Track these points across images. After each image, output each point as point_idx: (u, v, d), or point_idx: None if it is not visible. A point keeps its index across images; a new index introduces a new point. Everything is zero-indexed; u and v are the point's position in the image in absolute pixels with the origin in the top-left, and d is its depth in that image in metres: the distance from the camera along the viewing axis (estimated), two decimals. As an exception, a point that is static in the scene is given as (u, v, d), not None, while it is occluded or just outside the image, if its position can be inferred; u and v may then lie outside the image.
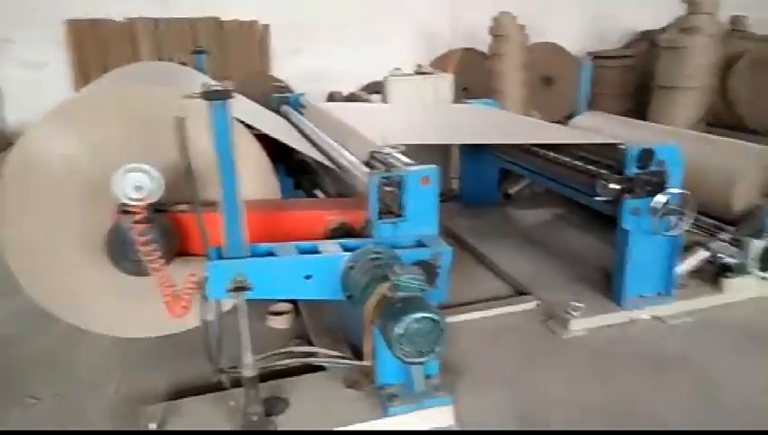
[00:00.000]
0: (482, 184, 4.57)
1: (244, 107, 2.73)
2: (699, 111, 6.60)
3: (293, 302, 2.94)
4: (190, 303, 1.94)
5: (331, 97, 6.65)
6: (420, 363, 1.57)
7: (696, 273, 3.13)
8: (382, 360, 2.11)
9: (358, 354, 2.25)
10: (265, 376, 2.22)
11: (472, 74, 7.72)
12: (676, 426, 2.16)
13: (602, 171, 2.95)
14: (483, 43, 7.41)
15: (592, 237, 3.81)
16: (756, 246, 3.04)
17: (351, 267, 1.80)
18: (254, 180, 2.23)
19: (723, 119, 7.11)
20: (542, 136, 3.45)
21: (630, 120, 4.31)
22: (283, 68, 7.51)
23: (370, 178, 1.97)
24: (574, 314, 2.83)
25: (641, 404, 2.29)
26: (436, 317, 1.53)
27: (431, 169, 2.04)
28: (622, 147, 2.80)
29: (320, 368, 2.37)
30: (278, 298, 2.80)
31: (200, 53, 4.52)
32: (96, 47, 6.75)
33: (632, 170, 2.74)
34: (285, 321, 2.87)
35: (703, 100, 6.57)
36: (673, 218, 2.79)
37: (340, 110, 4.02)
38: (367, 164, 2.30)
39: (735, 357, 2.58)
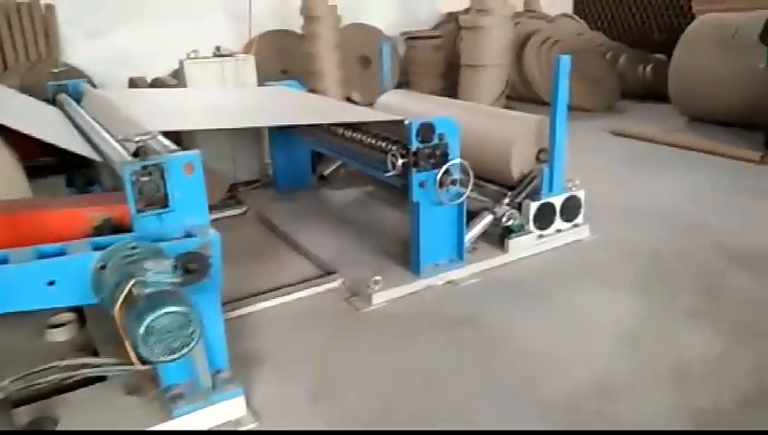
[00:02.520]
0: (295, 167, 4.53)
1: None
2: (500, 86, 7.16)
3: (78, 310, 2.68)
4: None
5: (133, 83, 6.17)
6: (173, 361, 1.48)
7: (486, 236, 3.38)
8: (163, 360, 1.98)
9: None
10: (30, 398, 2.00)
11: (290, 57, 7.63)
12: (465, 378, 2.31)
13: (392, 147, 3.05)
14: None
15: (399, 211, 3.95)
16: (532, 207, 3.35)
17: (102, 267, 1.65)
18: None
19: (521, 93, 7.79)
20: (332, 116, 3.48)
21: (430, 96, 4.53)
22: (79, 53, 6.84)
23: (123, 168, 1.82)
24: (375, 287, 2.91)
25: (433, 363, 2.42)
26: (184, 310, 1.45)
27: (193, 154, 1.93)
28: (406, 122, 2.91)
29: (101, 380, 2.19)
30: (56, 307, 2.53)
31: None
32: None
33: (415, 145, 2.86)
34: (66, 332, 2.60)
35: (503, 76, 7.13)
36: (456, 187, 2.97)
37: (126, 97, 3.73)
38: (135, 154, 2.14)
39: (512, 308, 2.83)
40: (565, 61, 3.22)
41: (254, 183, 4.66)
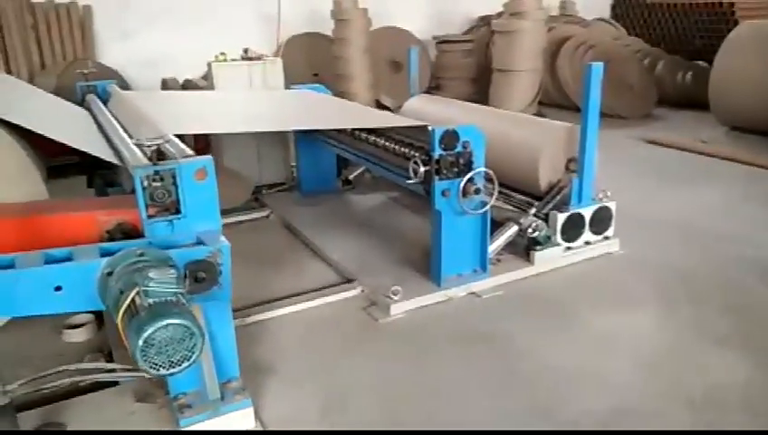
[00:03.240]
0: (320, 171, 4.50)
1: (13, 100, 2.41)
2: (533, 92, 7.01)
3: (96, 312, 2.68)
4: None
5: (165, 84, 6.24)
6: (172, 374, 1.44)
7: (512, 247, 3.27)
8: (172, 368, 1.95)
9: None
10: (40, 401, 1.99)
11: (321, 60, 7.63)
12: (480, 398, 2.22)
13: (414, 154, 2.98)
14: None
15: (423, 219, 3.87)
16: (560, 218, 3.23)
17: (109, 273, 1.63)
18: (9, 184, 1.96)
19: (554, 99, 7.63)
20: (355, 121, 3.43)
21: (457, 101, 4.43)
22: (111, 54, 6.95)
23: (135, 172, 1.79)
24: (394, 297, 2.84)
25: (449, 380, 2.33)
26: (185, 323, 1.41)
27: (205, 160, 1.89)
28: (429, 129, 2.83)
29: (113, 384, 2.17)
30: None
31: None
32: None
33: (438, 152, 2.78)
34: (84, 334, 2.61)
35: (536, 81, 6.98)
36: (480, 197, 2.88)
37: (152, 99, 3.75)
38: (150, 158, 2.11)
39: (534, 324, 2.72)
40: (597, 68, 3.10)
41: (279, 186, 4.64)
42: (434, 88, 8.61)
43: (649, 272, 3.20)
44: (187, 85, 6.13)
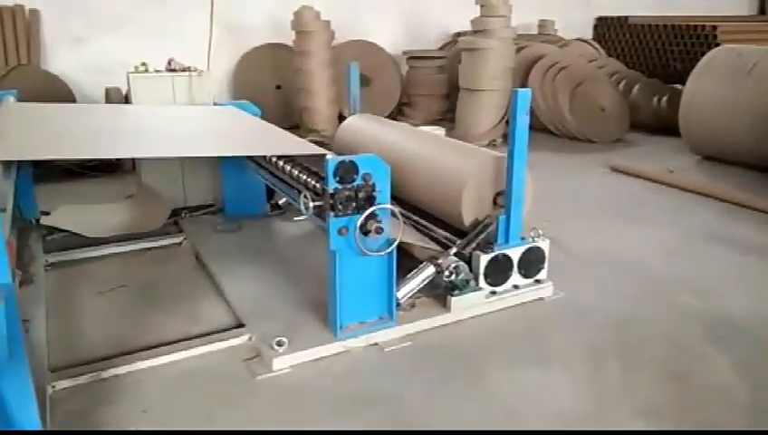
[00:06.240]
0: (247, 194, 4.14)
1: None
2: (499, 112, 6.69)
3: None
4: None
5: (108, 94, 5.90)
6: None
7: (433, 289, 2.92)
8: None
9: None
10: None
11: (286, 71, 7.32)
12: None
13: (315, 184, 2.64)
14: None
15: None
16: (483, 259, 2.89)
17: None
18: None
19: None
20: (260, 147, 3.11)
21: (392, 122, 4.12)
22: (60, 60, 6.63)
23: None
24: (278, 349, 2.49)
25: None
26: None
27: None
28: (328, 157, 2.49)
29: None
30: None
31: None
32: None
33: (333, 185, 2.44)
34: None
35: (502, 102, 6.65)
36: (384, 235, 2.54)
37: (49, 113, 3.42)
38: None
39: (438, 386, 2.37)
40: (524, 93, 2.77)
41: (206, 208, 4.29)
42: (405, 104, 8.31)
43: (582, 322, 2.85)
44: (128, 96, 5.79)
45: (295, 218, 2.59)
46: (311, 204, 2.51)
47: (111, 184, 5.05)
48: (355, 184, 2.47)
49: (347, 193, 2.46)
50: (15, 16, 6.40)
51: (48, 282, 3.18)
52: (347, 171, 2.45)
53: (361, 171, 2.47)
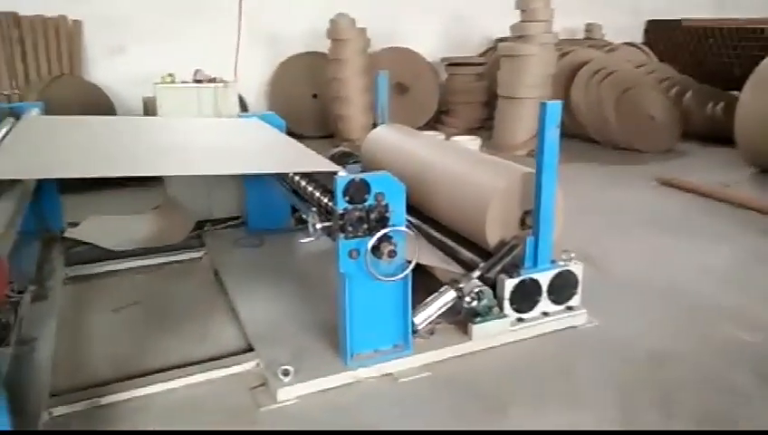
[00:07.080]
0: (271, 207, 4.02)
1: None
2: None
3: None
4: None
5: (146, 104, 5.94)
6: None
7: (455, 314, 2.73)
8: None
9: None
10: None
11: (322, 80, 7.23)
12: None
13: (328, 203, 2.50)
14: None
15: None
16: (508, 284, 2.67)
17: None
18: None
19: (568, 128, 6.99)
20: (274, 164, 3.00)
21: (420, 133, 3.94)
22: (101, 70, 6.74)
23: None
24: (284, 379, 2.34)
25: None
26: None
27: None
28: (335, 178, 2.34)
29: None
30: None
31: None
32: None
33: (342, 205, 2.29)
34: None
35: (544, 110, 6.39)
36: (398, 259, 2.37)
37: (72, 127, 3.39)
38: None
39: (452, 423, 2.18)
40: (553, 106, 2.55)
41: (231, 220, 4.21)
42: (443, 112, 8.11)
43: (616, 356, 2.60)
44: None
45: (300, 241, 2.44)
46: (318, 225, 2.36)
47: (141, 194, 5.05)
48: (366, 204, 2.31)
49: (357, 214, 2.30)
50: (59, 27, 6.55)
51: (64, 297, 3.14)
52: (358, 190, 2.29)
53: (374, 191, 2.31)
